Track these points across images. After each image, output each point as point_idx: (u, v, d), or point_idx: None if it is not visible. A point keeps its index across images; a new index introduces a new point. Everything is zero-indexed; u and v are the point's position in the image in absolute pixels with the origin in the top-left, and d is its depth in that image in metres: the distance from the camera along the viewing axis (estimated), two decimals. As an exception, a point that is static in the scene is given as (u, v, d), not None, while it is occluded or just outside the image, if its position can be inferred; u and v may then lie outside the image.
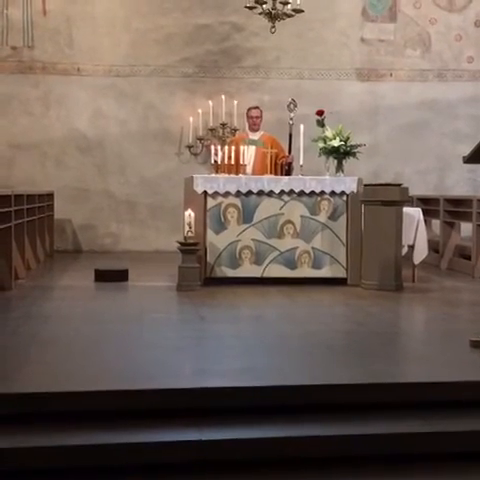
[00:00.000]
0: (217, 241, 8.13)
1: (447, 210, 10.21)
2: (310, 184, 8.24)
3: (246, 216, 8.19)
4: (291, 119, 8.80)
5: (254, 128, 9.14)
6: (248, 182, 8.19)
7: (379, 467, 3.64)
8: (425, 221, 9.05)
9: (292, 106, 8.88)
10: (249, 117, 9.22)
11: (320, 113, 8.60)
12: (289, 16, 9.38)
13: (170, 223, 11.37)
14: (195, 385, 3.99)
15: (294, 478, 3.53)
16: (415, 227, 8.57)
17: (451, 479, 3.60)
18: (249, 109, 9.34)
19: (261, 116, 9.16)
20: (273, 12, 9.26)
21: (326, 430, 3.72)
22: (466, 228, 10.01)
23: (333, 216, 8.29)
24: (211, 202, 8.16)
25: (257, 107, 9.34)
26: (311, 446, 3.65)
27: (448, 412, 3.93)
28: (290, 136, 8.79)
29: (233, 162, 8.39)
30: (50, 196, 11.30)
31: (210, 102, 11.82)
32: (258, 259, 8.19)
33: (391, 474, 3.60)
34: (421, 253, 8.62)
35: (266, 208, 8.21)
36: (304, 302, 7.13)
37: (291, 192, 8.23)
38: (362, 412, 3.88)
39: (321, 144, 8.41)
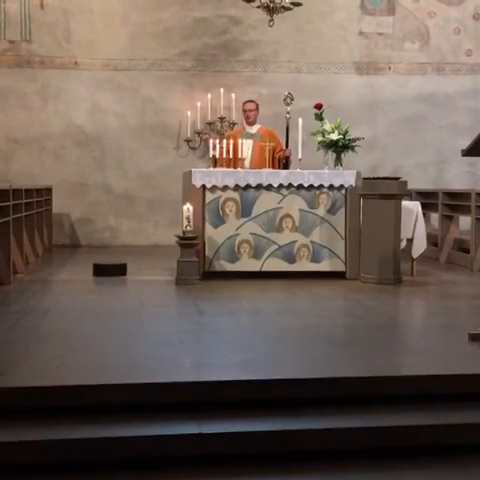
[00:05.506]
0: (216, 235, 8.13)
1: (446, 203, 10.22)
2: (309, 178, 8.23)
3: (245, 210, 8.18)
4: (288, 113, 8.78)
5: (249, 121, 9.12)
6: (246, 176, 8.18)
7: (381, 460, 3.64)
8: (424, 215, 9.06)
9: (289, 100, 8.86)
10: (244, 110, 9.21)
11: (318, 107, 8.59)
12: (287, 9, 9.36)
13: (169, 217, 11.38)
14: (194, 378, 3.99)
15: (295, 472, 3.54)
16: (414, 221, 8.57)
17: (451, 471, 3.60)
18: (244, 103, 9.35)
19: (257, 109, 9.13)
20: (271, 5, 9.24)
21: (326, 423, 3.72)
22: (465, 221, 10.02)
23: (332, 210, 8.28)
24: (209, 196, 8.15)
25: (252, 101, 9.32)
26: (312, 439, 3.65)
27: (448, 405, 3.94)
28: (287, 130, 8.78)
29: (231, 156, 8.39)
30: (48, 190, 11.30)
31: (208, 96, 11.81)
32: (257, 253, 8.18)
33: (392, 467, 3.60)
34: (420, 247, 8.63)
35: (265, 202, 8.20)
36: (303, 296, 7.13)
37: (290, 186, 8.22)
38: (362, 405, 3.88)
39: (320, 138, 8.40)
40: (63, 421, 3.62)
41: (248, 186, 8.17)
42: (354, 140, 8.38)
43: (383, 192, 7.87)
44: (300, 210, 8.25)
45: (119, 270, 8.27)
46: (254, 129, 9.09)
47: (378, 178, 8.25)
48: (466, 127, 11.84)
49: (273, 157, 8.77)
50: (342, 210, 8.27)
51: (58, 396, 3.75)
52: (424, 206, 9.48)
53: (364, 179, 8.15)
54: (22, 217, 8.42)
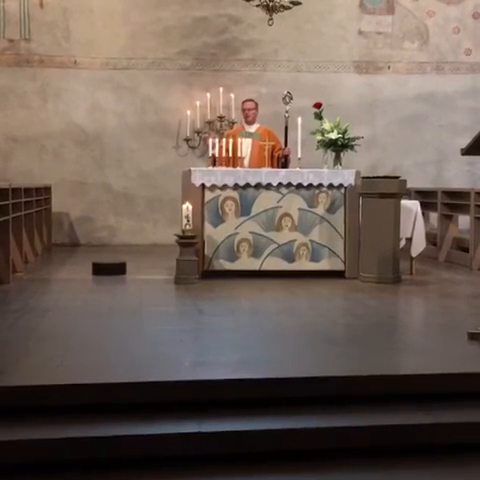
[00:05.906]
0: (215, 234, 8.13)
1: (445, 203, 10.22)
2: (308, 177, 8.23)
3: (244, 209, 8.18)
4: (287, 112, 8.77)
5: (248, 120, 9.13)
6: (246, 175, 8.18)
7: (379, 459, 3.64)
8: (423, 214, 9.05)
9: (287, 99, 8.85)
10: (243, 110, 9.22)
11: (318, 106, 8.60)
12: (286, 8, 9.36)
13: (168, 216, 11.38)
14: (194, 377, 4.00)
15: (293, 470, 3.54)
16: (413, 220, 8.57)
17: (450, 470, 3.60)
18: (243, 102, 9.35)
19: (256, 108, 9.14)
20: (270, 4, 9.24)
21: (325, 422, 3.73)
22: (464, 220, 10.01)
23: (331, 209, 8.28)
24: (209, 195, 8.15)
25: (251, 100, 9.33)
26: (310, 438, 3.66)
27: (447, 404, 3.94)
28: (286, 129, 8.77)
29: (230, 155, 8.39)
30: (48, 189, 11.29)
31: (208, 95, 11.81)
32: (256, 252, 8.19)
33: (391, 466, 3.61)
34: (419, 246, 8.63)
35: (264, 201, 8.21)
36: (302, 295, 7.13)
37: (289, 185, 8.22)
38: (361, 404, 3.88)
39: (319, 137, 8.40)
40: (61, 420, 3.63)
41: (247, 185, 8.17)
42: (353, 139, 8.37)
43: (382, 191, 7.87)
44: (299, 209, 8.25)
45: (118, 269, 8.27)
46: (253, 128, 9.10)
47: (377, 177, 8.25)
48: (465, 126, 11.84)
49: (272, 156, 8.77)
50: (341, 209, 8.27)
51: (57, 395, 3.75)
52: (423, 205, 9.48)
53: (363, 178, 8.15)
54: (21, 216, 8.42)
